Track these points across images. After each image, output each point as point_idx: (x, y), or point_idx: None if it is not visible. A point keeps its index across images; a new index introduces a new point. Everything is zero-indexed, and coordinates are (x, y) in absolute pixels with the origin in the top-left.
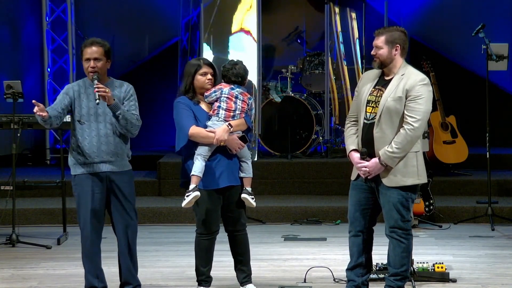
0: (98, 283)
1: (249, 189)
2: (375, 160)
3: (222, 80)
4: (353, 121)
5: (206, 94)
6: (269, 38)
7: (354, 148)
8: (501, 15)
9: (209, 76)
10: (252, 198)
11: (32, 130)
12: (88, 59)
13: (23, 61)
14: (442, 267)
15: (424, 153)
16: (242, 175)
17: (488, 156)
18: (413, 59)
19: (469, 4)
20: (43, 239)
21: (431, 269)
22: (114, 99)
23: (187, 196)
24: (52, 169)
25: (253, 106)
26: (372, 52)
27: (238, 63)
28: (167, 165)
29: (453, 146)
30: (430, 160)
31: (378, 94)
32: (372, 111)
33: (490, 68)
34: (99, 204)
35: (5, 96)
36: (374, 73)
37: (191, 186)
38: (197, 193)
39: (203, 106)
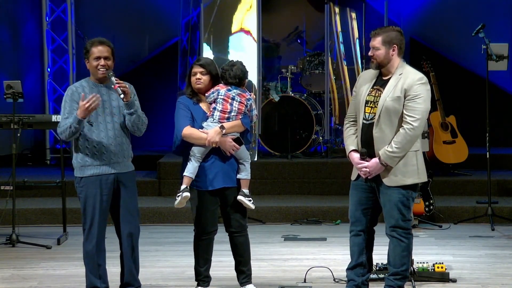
0: (100, 283)
1: (246, 191)
2: (375, 160)
3: (222, 81)
4: (351, 121)
5: (206, 95)
6: (269, 38)
7: (354, 148)
8: (501, 15)
9: (197, 76)
10: (250, 200)
11: (32, 130)
12: (99, 58)
13: (23, 61)
14: (442, 267)
15: (424, 153)
16: (238, 176)
17: (488, 156)
18: (413, 59)
19: (469, 4)
20: (43, 239)
21: (431, 269)
22: (131, 96)
23: (178, 196)
24: (52, 169)
25: (254, 107)
26: (370, 53)
27: (236, 64)
28: (167, 165)
29: (453, 146)
30: (430, 160)
31: (377, 94)
32: (371, 111)
33: (490, 68)
34: (106, 205)
35: (5, 96)
36: (372, 73)
37: (182, 187)
38: (187, 193)
39: (203, 106)
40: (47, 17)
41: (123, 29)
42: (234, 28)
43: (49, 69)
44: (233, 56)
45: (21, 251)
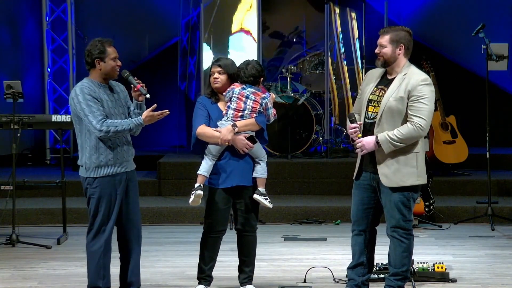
0: (103, 283)
1: (262, 189)
2: (372, 136)
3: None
4: (356, 113)
5: (224, 94)
6: (269, 38)
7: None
8: (501, 15)
9: (215, 75)
10: (266, 199)
11: (32, 130)
12: (116, 58)
13: (23, 61)
14: (442, 267)
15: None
16: (254, 175)
17: (488, 156)
18: (413, 59)
19: (469, 4)
20: (43, 239)
21: (431, 269)
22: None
23: (192, 194)
24: (52, 169)
25: (270, 106)
26: (376, 51)
27: (251, 62)
28: (167, 165)
29: (453, 146)
30: (430, 160)
31: (380, 94)
32: (374, 110)
33: (490, 68)
34: (119, 205)
35: (5, 96)
36: (377, 72)
37: (196, 185)
38: (200, 191)
39: (221, 105)
40: (47, 17)
41: (123, 29)
42: (234, 28)
43: (49, 69)
44: (233, 56)
45: (21, 251)
